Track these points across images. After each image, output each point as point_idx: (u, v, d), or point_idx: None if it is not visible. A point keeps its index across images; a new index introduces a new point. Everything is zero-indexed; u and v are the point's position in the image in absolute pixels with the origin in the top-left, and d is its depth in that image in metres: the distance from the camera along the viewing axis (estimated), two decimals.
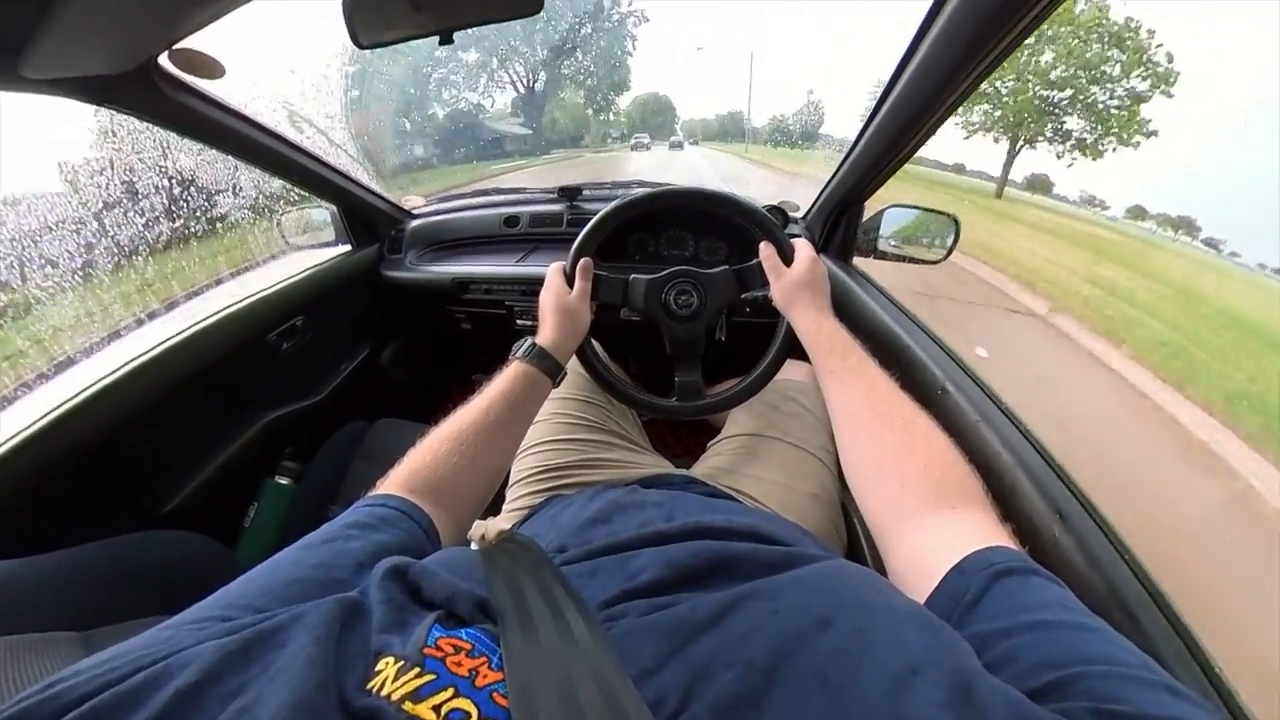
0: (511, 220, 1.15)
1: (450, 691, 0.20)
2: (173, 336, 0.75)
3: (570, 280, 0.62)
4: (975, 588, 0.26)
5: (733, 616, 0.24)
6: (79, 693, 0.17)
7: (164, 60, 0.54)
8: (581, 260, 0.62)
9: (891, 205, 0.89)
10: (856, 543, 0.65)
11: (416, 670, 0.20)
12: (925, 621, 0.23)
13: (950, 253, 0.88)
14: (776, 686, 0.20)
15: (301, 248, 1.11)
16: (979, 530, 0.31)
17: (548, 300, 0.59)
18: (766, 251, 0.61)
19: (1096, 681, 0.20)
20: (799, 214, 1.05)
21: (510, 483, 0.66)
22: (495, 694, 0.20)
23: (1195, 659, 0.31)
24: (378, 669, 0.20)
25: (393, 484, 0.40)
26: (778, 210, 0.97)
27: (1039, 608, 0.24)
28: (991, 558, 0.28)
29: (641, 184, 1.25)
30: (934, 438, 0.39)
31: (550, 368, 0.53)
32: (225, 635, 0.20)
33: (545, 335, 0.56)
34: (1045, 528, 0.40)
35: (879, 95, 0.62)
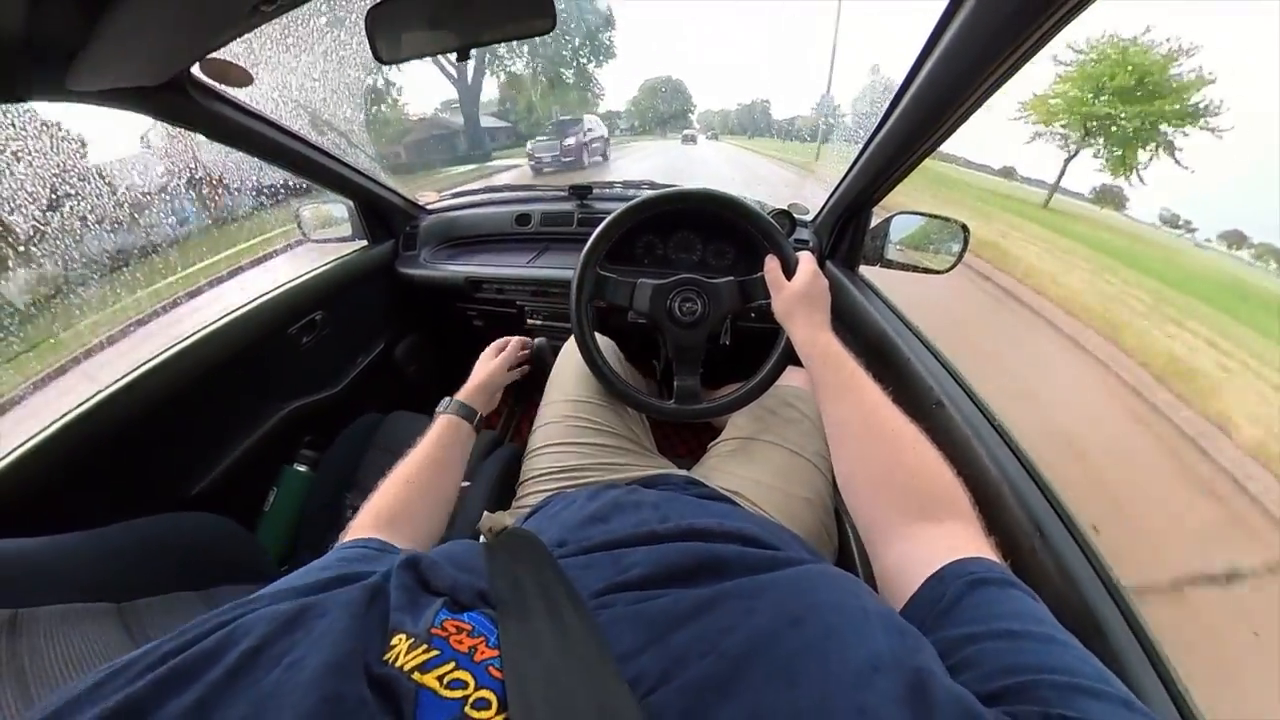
0: (523, 218, 1.17)
1: (452, 664, 0.22)
2: (200, 330, 0.79)
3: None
4: (950, 595, 0.28)
5: (713, 611, 0.26)
6: (162, 651, 0.21)
7: (196, 70, 0.57)
8: (516, 339, 0.77)
9: (899, 212, 0.89)
10: (848, 546, 0.67)
11: (425, 647, 0.23)
12: (893, 624, 0.24)
13: (958, 261, 0.88)
14: (744, 675, 0.22)
15: (319, 241, 1.15)
16: (962, 541, 0.32)
17: (478, 364, 0.73)
18: (770, 265, 0.62)
19: (1051, 690, 0.21)
20: (808, 217, 1.05)
21: (520, 480, 0.70)
22: (491, 668, 0.23)
23: (1159, 675, 0.32)
24: (392, 644, 0.23)
25: (361, 528, 0.45)
26: (785, 215, 0.97)
27: (1009, 617, 0.25)
28: (970, 567, 0.29)
29: (652, 185, 1.26)
30: (922, 451, 0.40)
31: (466, 414, 0.63)
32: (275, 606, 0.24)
33: (463, 390, 0.68)
34: (1025, 542, 0.41)
35: (891, 98, 0.63)
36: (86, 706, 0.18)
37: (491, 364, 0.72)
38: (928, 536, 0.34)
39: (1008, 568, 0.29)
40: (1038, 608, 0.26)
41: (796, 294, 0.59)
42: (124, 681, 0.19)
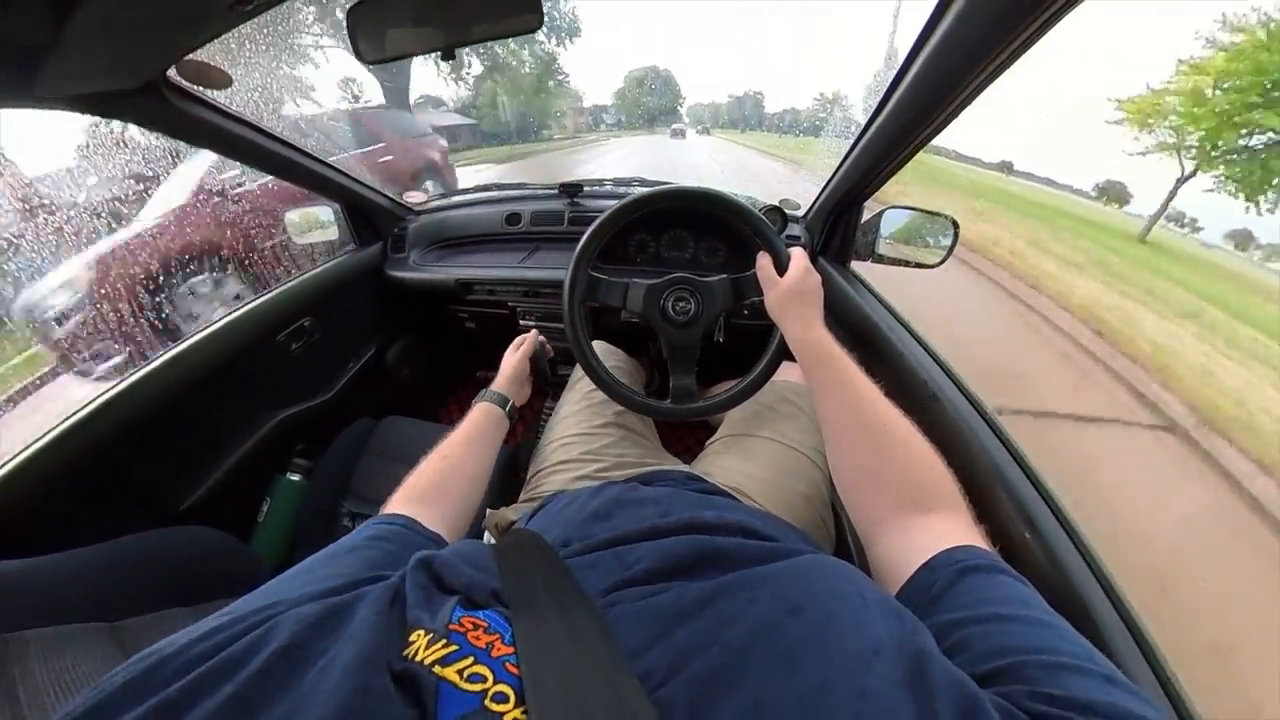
0: (513, 218, 1.16)
1: (471, 659, 0.23)
2: (187, 340, 0.77)
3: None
4: (941, 582, 0.29)
5: (715, 604, 0.26)
6: (193, 653, 0.21)
7: (173, 73, 0.55)
8: (533, 334, 0.79)
9: (890, 206, 0.90)
10: (844, 539, 0.68)
11: (444, 642, 0.24)
12: (890, 610, 0.25)
13: (949, 255, 0.89)
14: (749, 665, 0.22)
15: (306, 245, 1.13)
16: (952, 531, 0.33)
17: (507, 358, 0.75)
18: (762, 262, 0.62)
19: (1037, 670, 0.22)
20: (800, 213, 1.05)
21: (532, 471, 0.72)
22: (508, 663, 0.23)
23: (1149, 662, 0.33)
24: (411, 640, 0.24)
25: (397, 503, 0.46)
26: (776, 211, 0.97)
27: (998, 602, 0.26)
28: (959, 555, 0.30)
29: (643, 182, 1.25)
30: (914, 445, 0.41)
31: (499, 401, 0.66)
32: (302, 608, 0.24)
33: (497, 381, 0.71)
34: (1016, 533, 0.42)
35: (885, 89, 0.62)
36: (126, 706, 0.19)
37: (514, 357, 0.75)
38: (919, 527, 0.35)
39: (997, 554, 0.30)
40: (1026, 591, 0.27)
41: (789, 290, 0.59)
42: (160, 682, 0.19)
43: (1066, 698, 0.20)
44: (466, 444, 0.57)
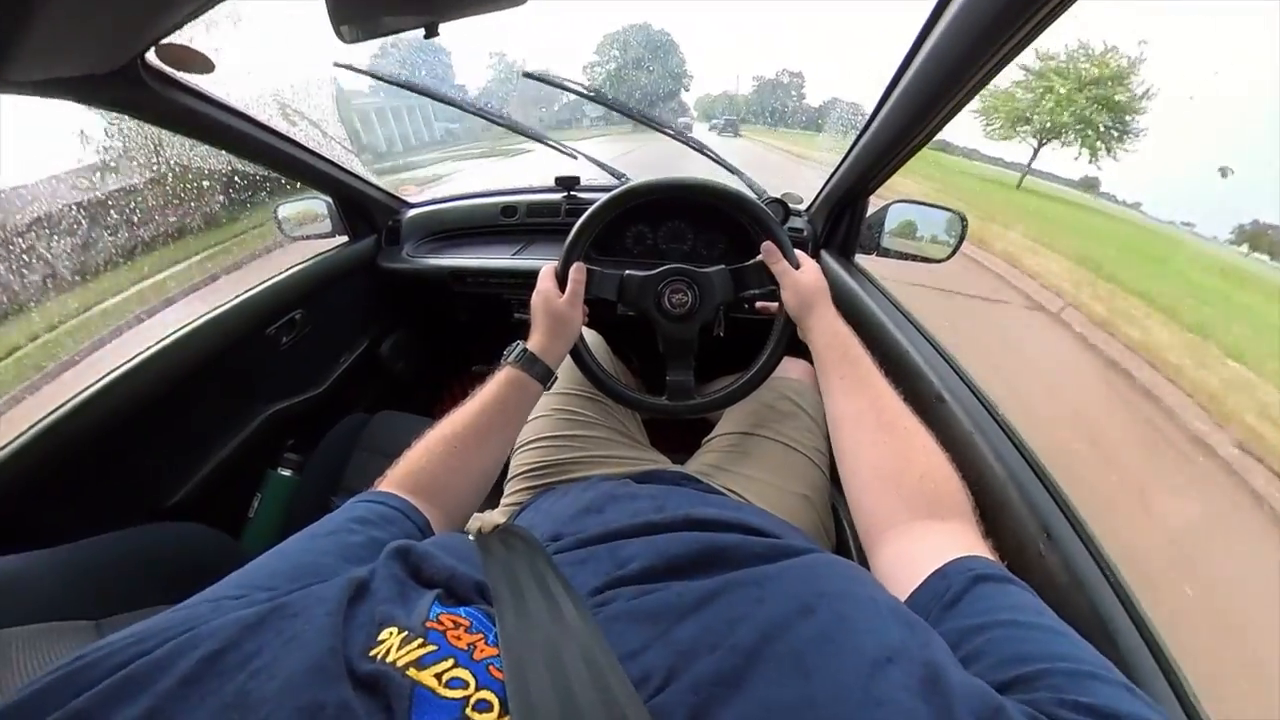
0: (509, 210, 1.14)
1: (451, 661, 0.21)
2: (174, 332, 0.76)
3: (562, 283, 0.61)
4: (955, 589, 0.28)
5: (719, 602, 0.25)
6: (113, 662, 0.19)
7: (151, 57, 0.53)
8: (574, 264, 0.61)
9: (897, 200, 0.87)
10: (845, 544, 0.66)
11: (420, 641, 0.21)
12: (903, 615, 0.24)
13: (955, 251, 0.86)
14: (756, 667, 0.21)
15: (298, 239, 1.11)
16: (963, 541, 0.33)
17: (537, 303, 0.59)
18: (770, 253, 0.60)
19: (1062, 677, 0.21)
20: (802, 206, 1.03)
21: (508, 477, 0.67)
22: (491, 667, 0.22)
23: (1169, 681, 0.32)
24: (381, 638, 0.21)
25: (391, 483, 0.42)
26: (779, 204, 0.95)
27: (1013, 609, 0.26)
28: (972, 564, 0.29)
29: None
30: (932, 452, 0.40)
31: (539, 372, 0.54)
32: (242, 610, 0.22)
33: (534, 339, 0.56)
34: (1031, 543, 0.40)
35: (888, 82, 0.60)
36: (32, 715, 0.17)
37: (556, 305, 0.57)
38: (932, 534, 0.34)
39: (1004, 565, 0.30)
40: (1036, 601, 0.27)
41: (812, 284, 0.58)
42: (70, 693, 0.18)
43: (1095, 706, 0.20)
44: (483, 429, 0.48)
